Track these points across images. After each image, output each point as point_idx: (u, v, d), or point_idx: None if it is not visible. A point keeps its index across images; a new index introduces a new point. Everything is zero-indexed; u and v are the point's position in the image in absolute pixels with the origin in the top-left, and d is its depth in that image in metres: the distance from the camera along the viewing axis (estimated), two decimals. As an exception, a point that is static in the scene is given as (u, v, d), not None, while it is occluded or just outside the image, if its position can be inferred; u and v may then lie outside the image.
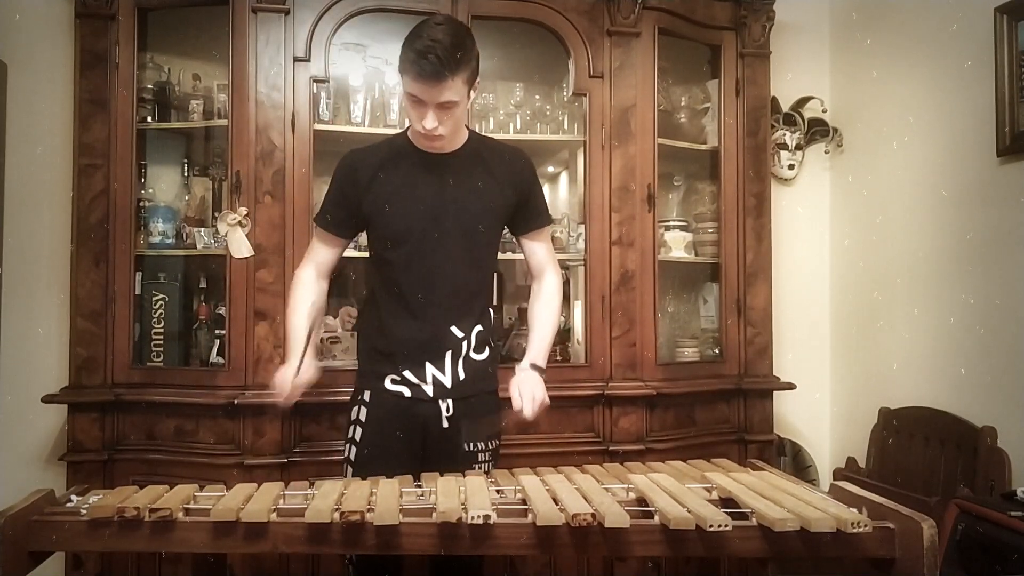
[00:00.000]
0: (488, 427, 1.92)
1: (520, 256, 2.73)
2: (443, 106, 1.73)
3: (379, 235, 1.89)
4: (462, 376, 1.88)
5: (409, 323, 1.86)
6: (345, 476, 1.84)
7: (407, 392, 1.87)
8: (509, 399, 1.83)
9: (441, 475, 1.71)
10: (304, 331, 1.86)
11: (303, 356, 1.82)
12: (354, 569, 1.88)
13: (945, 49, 2.62)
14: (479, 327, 1.92)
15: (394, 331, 1.88)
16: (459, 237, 1.86)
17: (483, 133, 2.63)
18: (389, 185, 1.86)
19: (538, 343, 1.95)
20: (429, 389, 1.86)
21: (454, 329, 1.88)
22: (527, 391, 1.82)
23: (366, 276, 2.00)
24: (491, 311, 1.99)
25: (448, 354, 1.87)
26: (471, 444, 1.88)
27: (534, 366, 1.90)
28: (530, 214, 1.99)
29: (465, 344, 1.89)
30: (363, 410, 1.89)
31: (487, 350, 1.94)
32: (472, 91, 1.80)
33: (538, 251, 2.03)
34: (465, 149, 1.90)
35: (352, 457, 1.89)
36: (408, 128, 1.92)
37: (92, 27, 2.43)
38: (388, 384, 1.87)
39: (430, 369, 1.87)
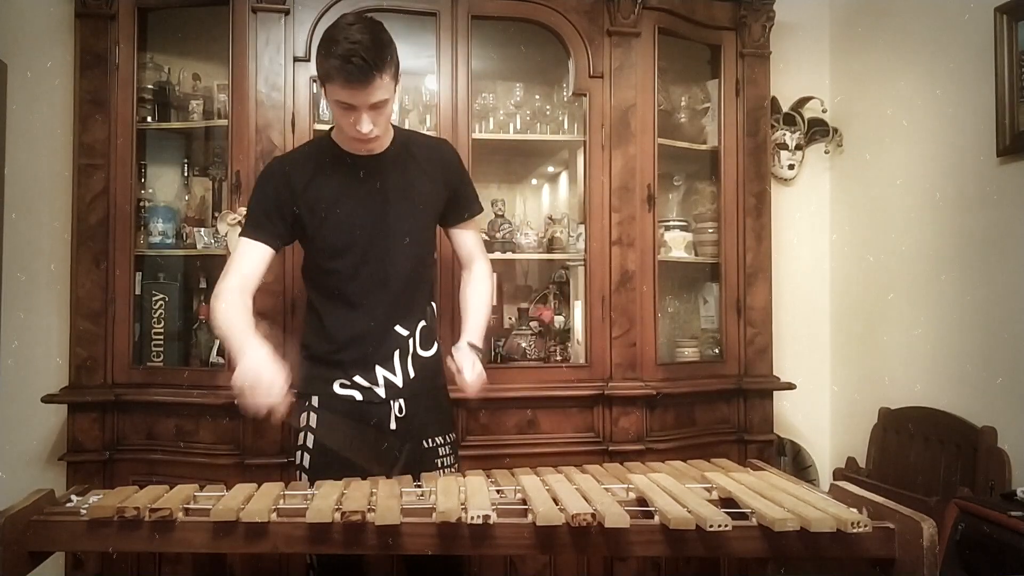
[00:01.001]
0: (442, 422, 1.93)
1: (518, 256, 2.76)
2: (375, 107, 1.70)
3: (320, 245, 1.84)
4: (412, 374, 1.87)
5: (355, 328, 1.84)
6: (299, 482, 1.81)
7: (358, 396, 1.85)
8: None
9: (412, 476, 1.70)
10: (251, 324, 1.71)
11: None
12: (315, 573, 1.86)
13: (945, 49, 2.62)
14: (423, 322, 1.91)
15: (340, 338, 1.85)
16: (401, 237, 1.84)
17: (484, 133, 2.66)
18: (326, 193, 1.81)
19: (473, 324, 1.95)
20: (381, 391, 1.85)
21: (398, 328, 1.86)
22: (465, 365, 1.81)
23: (304, 284, 1.95)
24: (433, 305, 1.97)
25: (396, 354, 1.86)
26: (429, 440, 1.88)
27: (471, 345, 1.88)
28: (461, 205, 1.98)
29: (411, 341, 1.88)
30: (312, 415, 1.85)
31: (434, 345, 1.94)
32: (397, 86, 1.75)
33: (468, 240, 2.02)
34: (394, 147, 1.87)
35: (306, 464, 1.85)
36: (331, 130, 1.89)
37: (92, 27, 2.43)
38: (337, 388, 1.85)
39: (380, 371, 1.85)
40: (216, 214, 2.62)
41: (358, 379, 1.85)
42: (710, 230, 2.84)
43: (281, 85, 2.41)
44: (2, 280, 2.63)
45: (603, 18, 2.60)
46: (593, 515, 1.37)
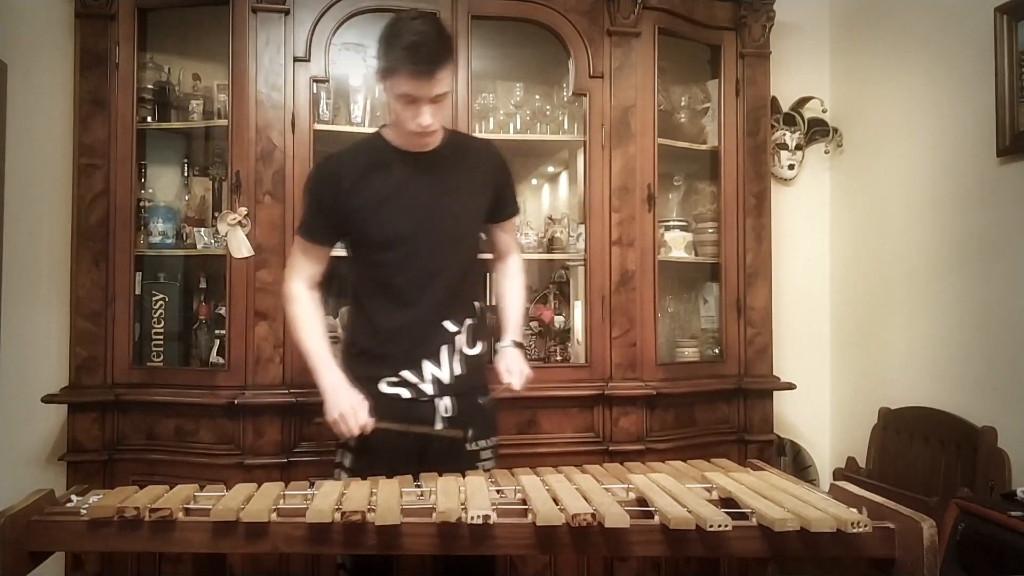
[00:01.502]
0: (487, 424, 1.93)
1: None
2: (436, 100, 1.74)
3: (370, 240, 1.86)
4: (459, 371, 1.88)
5: (404, 323, 1.85)
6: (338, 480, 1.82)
7: (405, 393, 1.85)
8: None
9: (440, 475, 1.71)
10: (330, 353, 1.86)
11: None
12: (346, 573, 1.87)
13: (945, 49, 2.62)
14: (470, 320, 1.92)
15: (388, 332, 1.86)
16: (451, 233, 1.87)
17: (484, 133, 2.66)
18: (378, 189, 1.84)
19: (514, 320, 2.00)
20: (428, 387, 1.86)
21: (447, 324, 1.87)
22: (514, 366, 1.89)
23: (350, 279, 1.97)
24: (482, 306, 2.00)
25: (443, 349, 1.87)
26: (474, 443, 1.88)
27: (516, 343, 1.95)
28: (504, 205, 2.01)
29: (458, 338, 1.89)
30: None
31: (479, 344, 1.94)
32: (452, 81, 1.82)
33: (506, 238, 2.06)
34: (445, 145, 1.90)
35: (347, 464, 1.87)
36: (382, 127, 1.92)
37: (92, 27, 2.43)
38: (384, 387, 1.86)
39: (427, 366, 1.86)
40: (216, 214, 2.62)
41: (405, 374, 1.85)
42: (710, 230, 2.84)
43: (281, 85, 2.41)
44: (2, 280, 2.63)
45: (603, 18, 2.60)
46: (593, 515, 1.37)
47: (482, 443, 1.90)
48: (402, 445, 1.81)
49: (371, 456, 1.81)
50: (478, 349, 1.94)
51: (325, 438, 1.98)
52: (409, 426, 1.80)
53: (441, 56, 1.70)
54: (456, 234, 1.88)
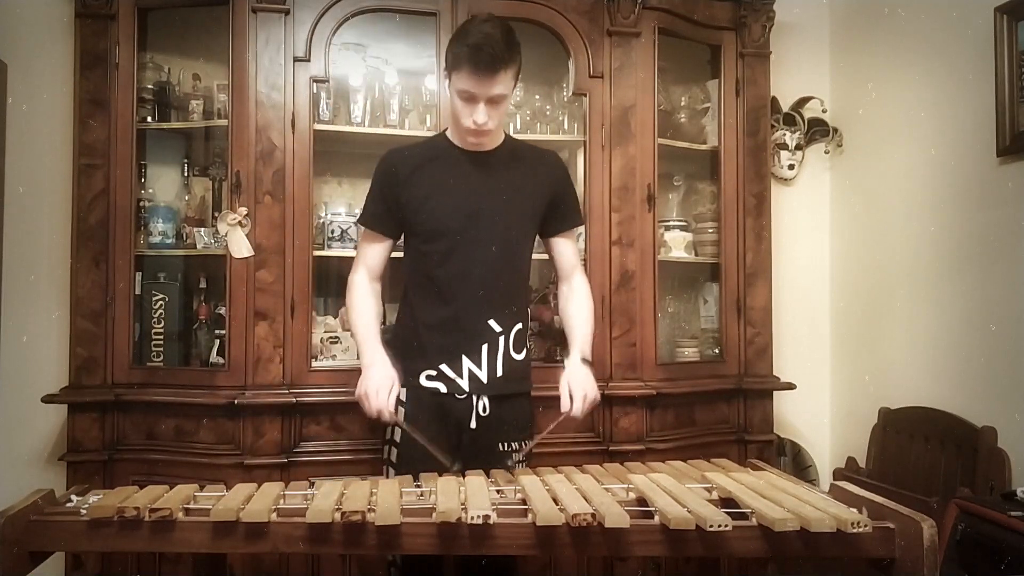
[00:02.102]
0: (522, 428, 1.93)
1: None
2: (493, 100, 1.78)
3: (417, 230, 1.91)
4: (500, 373, 1.89)
5: (444, 316, 1.88)
6: (387, 477, 1.83)
7: (442, 388, 1.87)
8: (552, 398, 1.84)
9: (440, 475, 1.71)
10: (377, 338, 1.89)
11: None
12: (397, 571, 1.88)
13: (945, 49, 2.62)
14: (519, 325, 1.94)
15: (429, 324, 1.89)
16: (497, 233, 1.89)
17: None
18: (428, 181, 1.88)
19: (583, 337, 1.96)
20: (465, 384, 1.87)
21: (492, 323, 1.89)
22: (578, 389, 1.83)
23: (402, 273, 2.01)
24: (529, 312, 2.01)
25: (485, 348, 1.88)
26: (505, 444, 1.89)
27: (584, 360, 1.91)
28: (563, 214, 2.01)
29: (503, 340, 1.90)
30: (400, 410, 1.88)
31: (525, 351, 1.96)
32: (514, 88, 1.85)
33: (568, 251, 2.05)
34: (503, 148, 1.94)
35: (393, 459, 1.89)
36: (446, 129, 1.96)
37: (92, 27, 2.43)
38: (423, 381, 1.88)
39: (466, 363, 1.87)
40: (216, 214, 2.62)
41: (444, 368, 1.87)
42: (710, 230, 2.84)
43: (281, 85, 2.41)
44: (2, 280, 2.63)
45: (603, 18, 2.60)
46: (593, 515, 1.38)
47: (513, 446, 1.91)
48: (438, 439, 1.82)
49: (414, 452, 1.82)
50: (523, 354, 1.95)
51: (380, 431, 1.99)
52: (428, 443, 1.79)
53: (503, 58, 1.75)
54: (501, 235, 1.89)
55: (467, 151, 1.90)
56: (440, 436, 1.83)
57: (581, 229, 2.13)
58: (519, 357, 1.93)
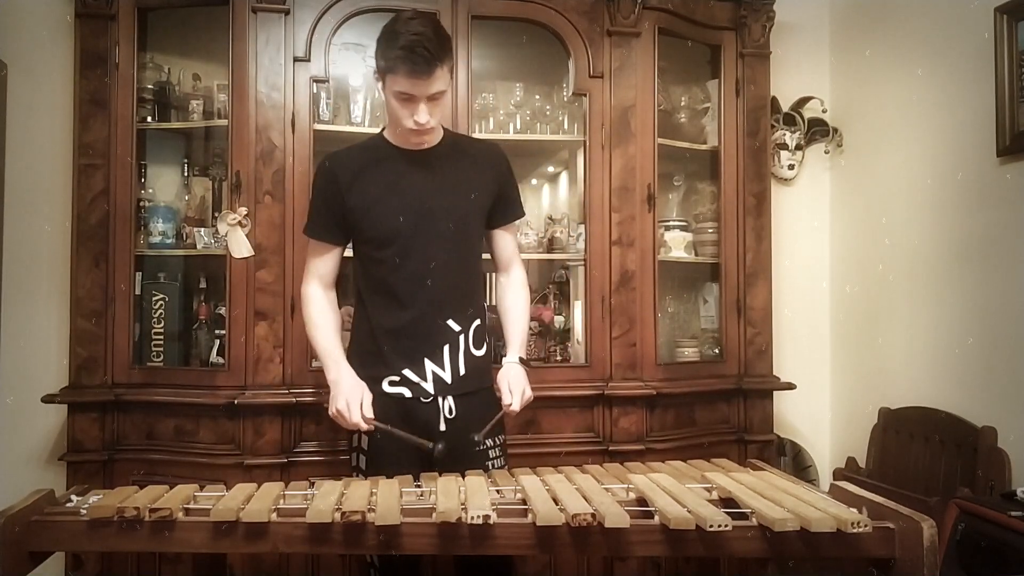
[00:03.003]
0: (493, 423, 1.91)
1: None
2: (433, 98, 1.76)
3: (367, 236, 1.88)
4: (463, 371, 1.88)
5: (403, 321, 1.86)
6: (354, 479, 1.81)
7: (407, 393, 1.86)
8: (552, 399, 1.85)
9: (440, 475, 1.71)
10: (340, 351, 1.87)
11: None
12: (376, 572, 1.87)
13: (945, 49, 2.62)
14: (477, 321, 1.92)
15: (388, 330, 1.87)
16: (449, 232, 1.87)
17: (484, 133, 2.66)
18: (373, 185, 1.86)
19: (518, 335, 1.97)
20: (429, 386, 1.86)
21: (451, 323, 1.88)
22: (516, 386, 1.86)
23: (353, 279, 2.00)
24: (485, 307, 2.00)
25: (446, 348, 1.87)
26: (482, 443, 1.87)
27: (521, 360, 1.92)
28: (506, 207, 2.00)
29: (463, 338, 1.89)
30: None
31: (485, 346, 1.95)
32: (451, 81, 1.83)
33: (508, 244, 2.04)
34: (444, 144, 1.91)
35: (363, 466, 1.88)
36: (383, 129, 1.93)
37: (92, 27, 2.43)
38: (386, 387, 1.86)
39: (429, 365, 1.86)
40: (216, 214, 2.62)
41: (407, 373, 1.86)
42: (710, 230, 2.84)
43: (281, 85, 2.41)
44: (2, 280, 2.63)
45: (603, 18, 2.60)
46: (593, 515, 1.37)
47: (488, 442, 1.89)
48: (410, 446, 1.80)
49: (382, 459, 1.82)
50: (483, 350, 1.94)
51: (339, 438, 1.99)
52: (407, 434, 1.79)
53: (438, 55, 1.72)
54: (453, 232, 1.87)
55: (409, 151, 1.87)
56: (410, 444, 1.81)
57: (520, 221, 2.12)
58: (480, 353, 1.93)
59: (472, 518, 1.38)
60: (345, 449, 2.38)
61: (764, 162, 2.81)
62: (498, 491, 1.60)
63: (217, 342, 2.57)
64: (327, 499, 1.47)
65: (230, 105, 2.43)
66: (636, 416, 2.56)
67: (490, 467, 1.87)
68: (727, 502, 1.53)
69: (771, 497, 1.50)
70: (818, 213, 3.22)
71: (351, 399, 1.78)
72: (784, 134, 3.09)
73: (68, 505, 1.54)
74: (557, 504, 1.44)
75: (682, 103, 2.92)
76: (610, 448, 2.52)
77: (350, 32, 2.54)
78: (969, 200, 2.52)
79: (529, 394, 1.88)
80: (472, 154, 1.95)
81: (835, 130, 3.16)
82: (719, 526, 1.35)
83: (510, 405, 1.84)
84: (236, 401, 2.33)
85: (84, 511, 1.47)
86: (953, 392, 2.55)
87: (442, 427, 1.85)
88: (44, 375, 2.60)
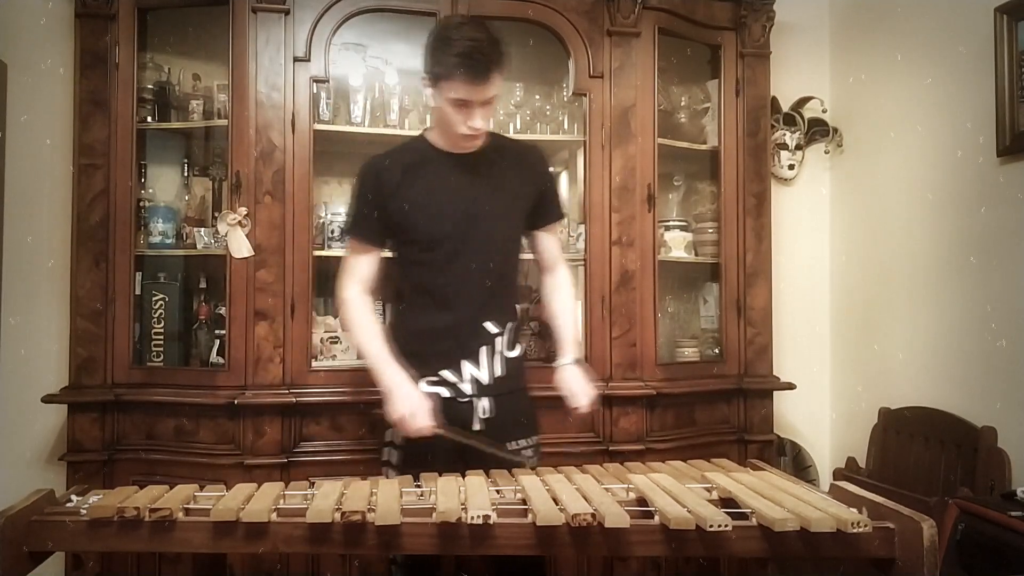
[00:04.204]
0: (527, 424, 1.94)
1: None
2: (487, 103, 1.77)
3: (410, 239, 1.88)
4: (499, 372, 1.89)
5: (444, 323, 1.86)
6: (388, 478, 1.82)
7: (445, 392, 1.87)
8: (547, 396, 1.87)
9: (440, 475, 1.71)
10: (390, 355, 1.84)
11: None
12: (398, 568, 1.88)
13: (945, 49, 2.62)
14: (512, 323, 1.94)
15: (427, 331, 1.88)
16: (492, 235, 1.88)
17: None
18: (417, 189, 1.86)
19: (570, 337, 1.98)
20: (467, 387, 1.87)
21: (488, 325, 1.88)
22: (579, 387, 1.88)
23: (394, 280, 2.01)
24: (517, 309, 2.01)
25: (483, 351, 1.88)
26: (514, 442, 1.89)
27: (576, 361, 1.94)
28: (547, 208, 2.01)
29: (499, 340, 1.90)
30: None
31: (518, 346, 1.96)
32: (501, 84, 1.84)
33: (551, 244, 2.05)
34: (487, 147, 1.91)
35: (394, 461, 1.89)
36: (425, 131, 1.94)
37: (92, 27, 2.43)
38: (424, 386, 1.86)
39: (467, 367, 1.87)
40: (216, 214, 2.62)
41: (445, 374, 1.87)
42: (710, 230, 2.84)
43: (281, 85, 2.41)
44: (2, 280, 2.63)
45: (603, 18, 2.60)
46: (593, 515, 1.37)
47: (522, 443, 1.91)
48: (447, 443, 1.80)
49: (418, 455, 1.81)
50: (517, 351, 1.95)
51: (379, 431, 1.98)
52: (468, 437, 1.80)
53: (495, 60, 1.73)
54: (497, 235, 1.89)
55: (454, 154, 1.88)
56: (445, 438, 1.81)
57: (563, 222, 2.13)
58: (514, 354, 1.94)
59: (472, 518, 1.38)
60: (345, 450, 2.39)
61: (764, 162, 2.81)
62: (498, 491, 1.60)
63: (217, 342, 2.57)
64: (327, 499, 1.47)
65: (230, 105, 2.43)
66: (636, 416, 2.56)
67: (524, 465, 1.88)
68: (727, 502, 1.53)
69: (771, 497, 1.50)
70: (818, 213, 3.22)
71: (418, 410, 1.75)
72: (784, 134, 3.09)
73: (68, 505, 1.53)
74: (557, 504, 1.44)
75: (682, 103, 2.92)
76: (610, 448, 2.52)
77: (350, 32, 2.54)
78: (969, 200, 2.52)
79: (593, 392, 1.90)
80: (514, 156, 1.96)
81: (835, 130, 3.16)
82: (719, 526, 1.35)
83: (578, 408, 1.87)
84: (236, 401, 2.33)
85: (84, 511, 1.47)
86: (953, 392, 2.55)
87: (476, 426, 1.86)
88: (44, 375, 2.60)
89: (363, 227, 1.91)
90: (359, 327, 1.89)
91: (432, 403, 1.80)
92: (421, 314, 1.89)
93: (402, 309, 1.96)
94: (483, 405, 1.87)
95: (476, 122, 1.77)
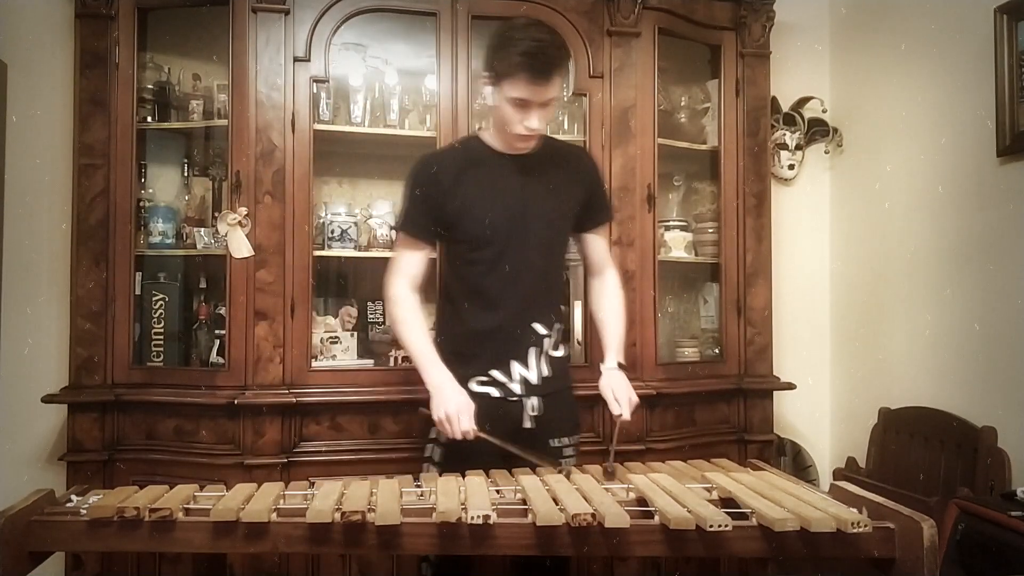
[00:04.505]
0: (571, 422, 1.96)
1: None
2: (546, 104, 1.78)
3: (463, 238, 1.89)
4: (547, 372, 1.91)
5: (493, 323, 1.88)
6: (426, 474, 1.83)
7: (495, 392, 1.88)
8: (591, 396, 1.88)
9: (441, 475, 1.71)
10: (436, 353, 1.85)
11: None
12: (429, 566, 1.88)
13: (945, 49, 2.62)
14: (559, 324, 1.95)
15: (477, 331, 1.89)
16: (541, 236, 1.89)
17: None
18: (473, 188, 1.87)
19: (618, 340, 1.99)
20: (516, 387, 1.88)
21: (537, 326, 1.90)
22: (622, 394, 1.89)
23: (443, 279, 2.02)
24: (564, 308, 2.02)
25: (531, 351, 1.90)
26: (557, 440, 1.91)
27: (620, 365, 1.95)
28: (597, 210, 2.03)
29: (547, 340, 1.92)
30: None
31: (563, 346, 1.98)
32: (562, 86, 1.87)
33: (600, 246, 2.07)
34: (539, 149, 1.92)
35: (436, 458, 1.90)
36: (478, 130, 1.96)
37: (92, 27, 2.43)
38: (474, 386, 1.87)
39: (516, 367, 1.89)
40: (216, 214, 2.62)
41: (495, 374, 1.88)
42: (710, 230, 2.84)
43: (281, 85, 2.41)
44: (2, 280, 2.63)
45: (603, 18, 2.60)
46: (593, 515, 1.38)
47: (564, 440, 1.93)
48: (489, 444, 1.80)
49: (462, 452, 1.81)
50: (562, 351, 1.98)
51: (419, 429, 1.99)
52: (508, 443, 1.79)
53: (559, 61, 1.75)
54: (546, 237, 1.90)
55: (508, 155, 1.89)
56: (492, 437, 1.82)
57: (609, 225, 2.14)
58: (560, 354, 1.96)
59: (472, 518, 1.38)
60: (346, 450, 2.39)
61: (764, 162, 2.81)
62: (498, 491, 1.60)
63: (217, 342, 2.57)
64: (327, 499, 1.47)
65: (230, 105, 2.42)
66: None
67: (563, 464, 1.88)
68: (727, 502, 1.53)
69: (771, 497, 1.50)
70: (818, 213, 3.22)
71: (462, 411, 1.75)
72: (784, 134, 3.10)
73: (68, 505, 1.54)
74: (557, 504, 1.44)
75: (682, 103, 2.92)
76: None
77: (350, 32, 2.54)
78: (969, 200, 2.52)
79: (635, 399, 1.91)
80: (564, 158, 1.97)
81: (835, 130, 3.16)
82: (719, 526, 1.35)
83: (620, 415, 1.87)
84: (236, 401, 2.33)
85: (84, 511, 1.47)
86: (953, 392, 2.55)
87: (528, 424, 1.88)
88: (44, 375, 2.59)
89: (415, 224, 1.90)
90: (406, 325, 1.89)
91: (480, 404, 1.80)
92: (471, 314, 1.90)
93: (451, 310, 1.96)
94: (532, 404, 1.89)
95: (533, 122, 1.78)
